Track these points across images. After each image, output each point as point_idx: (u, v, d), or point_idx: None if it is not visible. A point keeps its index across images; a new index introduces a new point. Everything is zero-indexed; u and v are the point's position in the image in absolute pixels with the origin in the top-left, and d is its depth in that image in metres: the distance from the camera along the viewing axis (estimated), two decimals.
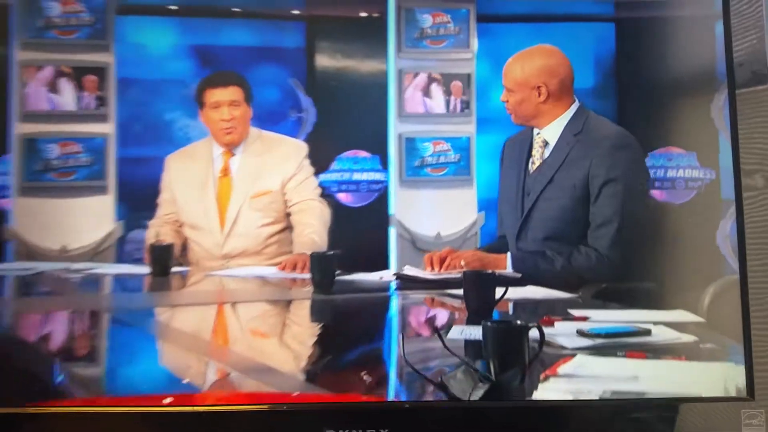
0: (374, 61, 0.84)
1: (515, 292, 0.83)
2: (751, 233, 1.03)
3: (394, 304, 0.83)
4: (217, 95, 0.85)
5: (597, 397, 0.73)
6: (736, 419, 0.95)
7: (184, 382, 0.75)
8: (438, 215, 0.84)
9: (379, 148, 0.82)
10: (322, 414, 0.91)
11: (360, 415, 0.91)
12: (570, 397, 0.73)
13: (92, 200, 0.79)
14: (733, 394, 0.87)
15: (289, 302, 0.80)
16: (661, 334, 0.78)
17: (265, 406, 0.88)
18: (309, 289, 0.81)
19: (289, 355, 0.78)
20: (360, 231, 0.83)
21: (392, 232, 0.84)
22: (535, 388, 0.75)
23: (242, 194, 0.87)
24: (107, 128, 0.80)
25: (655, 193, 0.86)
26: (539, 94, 0.86)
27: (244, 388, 0.79)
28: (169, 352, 0.76)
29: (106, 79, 0.80)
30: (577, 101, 0.86)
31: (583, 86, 0.84)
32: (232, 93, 0.86)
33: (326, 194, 0.84)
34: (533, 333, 0.69)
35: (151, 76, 0.81)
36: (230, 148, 0.87)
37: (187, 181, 0.85)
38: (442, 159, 0.85)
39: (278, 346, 0.79)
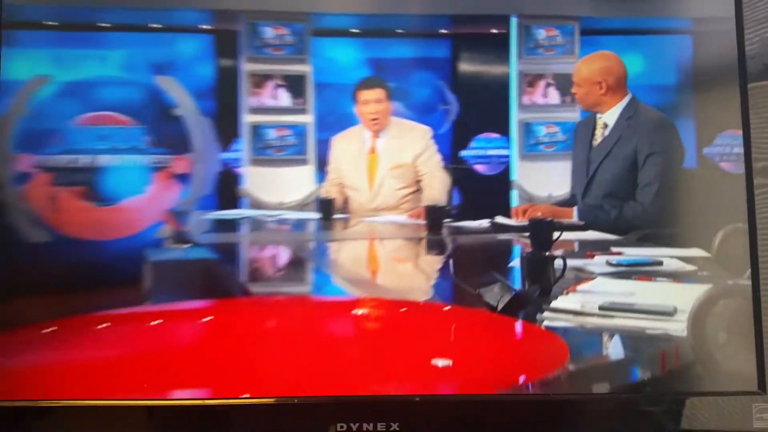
0: (501, 65, 1.11)
1: (580, 235, 1.08)
2: (762, 227, 1.05)
3: (488, 242, 1.08)
4: (365, 95, 1.14)
5: (597, 308, 0.84)
6: (748, 413, 0.98)
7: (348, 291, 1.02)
8: (550, 181, 1.10)
9: (505, 131, 1.09)
10: (333, 407, 0.93)
11: (370, 408, 0.93)
12: (577, 308, 0.86)
13: (298, 169, 1.10)
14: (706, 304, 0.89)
15: (418, 240, 1.10)
16: (671, 265, 0.98)
17: (276, 400, 0.89)
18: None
19: (419, 274, 1.06)
20: (491, 193, 1.10)
21: (514, 194, 1.10)
22: (555, 298, 0.89)
23: (385, 166, 1.15)
24: (308, 119, 1.11)
25: (724, 165, 1.07)
26: (600, 88, 1.10)
27: (390, 296, 0.98)
28: (338, 272, 1.06)
29: (306, 83, 1.11)
30: (630, 93, 1.10)
31: (666, 83, 1.08)
32: (376, 93, 1.15)
33: (463, 166, 1.11)
34: (559, 262, 0.89)
35: (338, 81, 1.11)
36: (376, 133, 1.15)
37: (346, 156, 1.14)
38: (553, 138, 1.11)
39: (411, 268, 1.09)
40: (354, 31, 1.09)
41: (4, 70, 0.98)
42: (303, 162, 1.09)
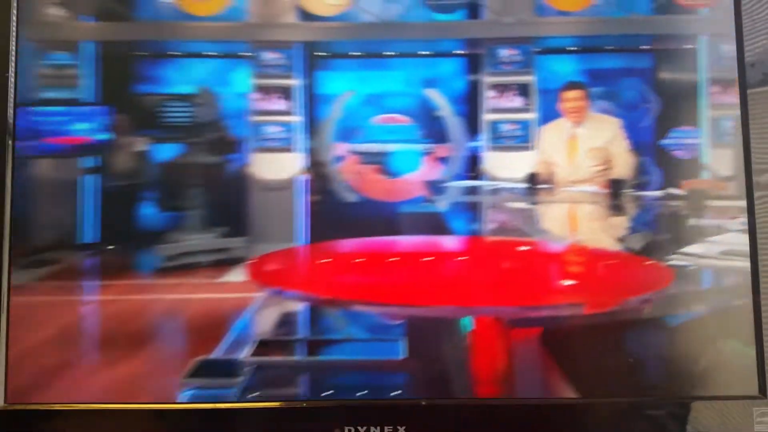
0: (693, 73, 1.37)
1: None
2: (762, 233, 1.05)
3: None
4: (568, 95, 1.45)
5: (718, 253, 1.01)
6: (749, 417, 0.97)
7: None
8: (733, 164, 1.33)
9: (698, 125, 1.35)
10: (340, 410, 0.95)
11: (377, 412, 0.95)
12: (702, 252, 1.06)
13: (525, 153, 1.45)
14: None
15: (604, 205, 1.35)
16: None
17: (283, 403, 0.94)
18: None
19: (603, 231, 1.33)
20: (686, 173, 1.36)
21: (705, 173, 1.36)
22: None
23: (582, 149, 1.45)
24: (532, 116, 1.46)
25: None
26: None
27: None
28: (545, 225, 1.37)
29: (530, 89, 1.47)
30: None
31: None
32: (576, 94, 1.45)
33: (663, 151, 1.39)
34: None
35: (553, 87, 1.45)
36: (576, 124, 1.46)
37: (552, 141, 1.46)
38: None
39: (598, 226, 1.35)
40: (570, 48, 1.43)
41: (325, 87, 1.46)
42: (526, 148, 1.44)
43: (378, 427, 0.95)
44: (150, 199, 1.27)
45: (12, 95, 1.08)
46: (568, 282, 1.17)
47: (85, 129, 1.23)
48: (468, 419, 0.98)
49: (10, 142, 1.08)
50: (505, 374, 1.07)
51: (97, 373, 1.07)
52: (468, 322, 1.15)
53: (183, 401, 1.00)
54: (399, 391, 1.08)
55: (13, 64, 1.09)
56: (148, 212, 1.26)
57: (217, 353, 1.11)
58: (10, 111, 1.08)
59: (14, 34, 1.09)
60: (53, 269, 1.14)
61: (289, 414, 0.97)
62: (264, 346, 1.13)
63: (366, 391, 1.07)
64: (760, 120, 1.08)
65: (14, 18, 1.08)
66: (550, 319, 1.12)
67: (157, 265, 1.19)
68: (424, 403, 0.98)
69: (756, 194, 1.07)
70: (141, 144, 1.26)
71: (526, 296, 1.15)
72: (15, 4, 1.08)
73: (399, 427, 0.95)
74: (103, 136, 1.24)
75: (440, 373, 1.11)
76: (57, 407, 0.98)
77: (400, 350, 1.16)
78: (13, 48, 1.09)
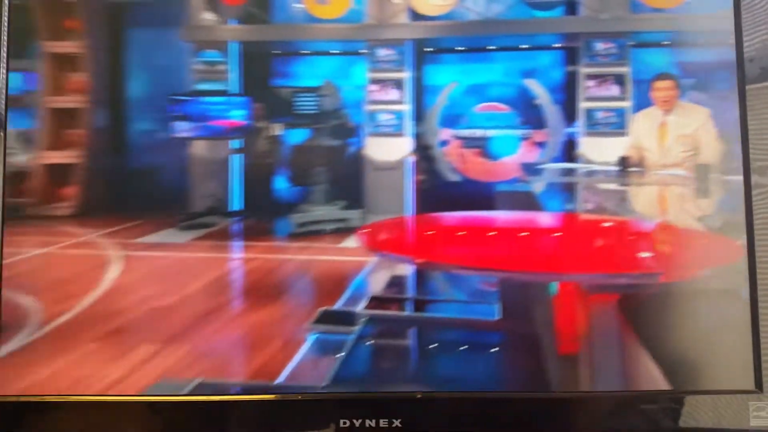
0: None
1: None
2: (760, 230, 1.04)
3: None
4: (659, 85, 1.52)
5: None
6: (745, 412, 0.97)
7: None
8: None
9: None
10: (336, 404, 0.96)
11: (373, 405, 0.95)
12: None
13: (619, 139, 1.55)
14: None
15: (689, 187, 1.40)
16: None
17: (280, 396, 0.95)
18: None
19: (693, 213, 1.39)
20: None
21: None
22: None
23: (672, 135, 1.51)
24: (626, 104, 1.56)
25: None
26: None
27: None
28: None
29: (626, 80, 1.56)
30: None
31: None
32: (667, 84, 1.51)
33: None
34: None
35: (646, 77, 1.53)
36: (666, 112, 1.52)
37: (644, 128, 1.52)
38: None
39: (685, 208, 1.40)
40: (665, 43, 1.50)
41: (432, 79, 1.62)
42: (621, 134, 1.54)
43: (374, 420, 0.94)
44: (283, 176, 1.50)
45: (4, 91, 1.13)
46: (646, 254, 1.27)
47: (233, 116, 1.47)
48: (463, 412, 0.98)
49: (2, 133, 1.15)
50: (584, 334, 1.19)
51: (238, 318, 1.30)
52: (553, 287, 1.28)
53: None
54: (495, 348, 1.24)
55: (4, 62, 1.14)
56: (282, 186, 1.49)
57: (338, 305, 1.30)
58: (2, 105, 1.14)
59: (5, 32, 1.14)
60: (209, 231, 1.39)
61: (286, 407, 0.97)
62: (376, 302, 1.31)
63: (466, 346, 1.23)
64: (759, 115, 1.08)
65: (5, 18, 1.13)
66: (627, 286, 1.23)
67: (289, 230, 1.40)
68: (419, 396, 0.98)
69: (754, 191, 1.05)
70: (276, 129, 1.49)
71: (606, 265, 1.27)
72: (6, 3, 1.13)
73: (394, 420, 0.94)
74: (245, 122, 1.47)
75: (529, 332, 1.25)
76: (50, 399, 1.01)
77: (495, 312, 1.31)
78: (4, 40, 1.13)
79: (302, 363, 1.17)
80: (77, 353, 1.16)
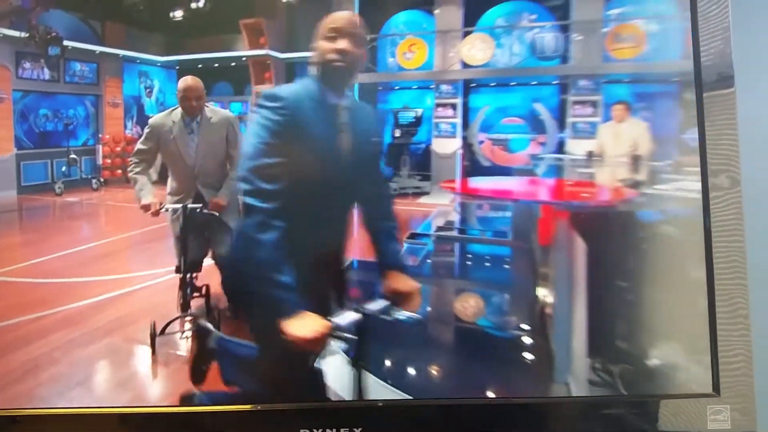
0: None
1: None
2: (717, 232, 1.04)
3: None
4: (615, 107, 2.38)
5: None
6: (703, 414, 0.99)
7: None
8: None
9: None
10: (297, 414, 0.97)
11: (334, 414, 0.96)
12: None
13: (590, 141, 2.47)
14: None
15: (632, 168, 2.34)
16: None
17: (244, 407, 0.97)
18: None
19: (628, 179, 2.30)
20: None
21: None
22: None
23: (622, 139, 2.42)
24: (597, 119, 2.48)
25: None
26: None
27: None
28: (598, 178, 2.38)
29: (598, 105, 2.48)
30: None
31: None
32: (620, 107, 2.34)
33: None
34: None
35: (609, 102, 2.45)
36: (619, 124, 2.43)
37: (605, 133, 2.44)
38: None
39: (624, 176, 2.33)
40: (624, 80, 2.43)
41: (474, 103, 2.61)
42: (592, 137, 2.46)
43: (334, 429, 0.94)
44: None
45: None
46: (586, 193, 2.18)
47: None
48: (423, 419, 0.98)
49: None
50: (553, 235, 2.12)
51: None
52: (538, 209, 2.23)
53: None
54: (508, 257, 2.18)
55: None
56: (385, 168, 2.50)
57: (418, 230, 2.29)
58: None
59: None
60: None
61: (249, 417, 0.96)
62: (439, 230, 2.29)
63: (489, 258, 2.17)
64: (716, 121, 1.07)
65: None
66: (577, 207, 2.15)
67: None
68: (380, 404, 0.98)
69: (711, 194, 1.04)
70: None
71: (568, 197, 2.20)
72: None
73: (354, 429, 0.94)
74: None
75: (526, 247, 2.19)
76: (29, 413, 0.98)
77: (508, 235, 2.26)
78: None
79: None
80: None
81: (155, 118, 1.96)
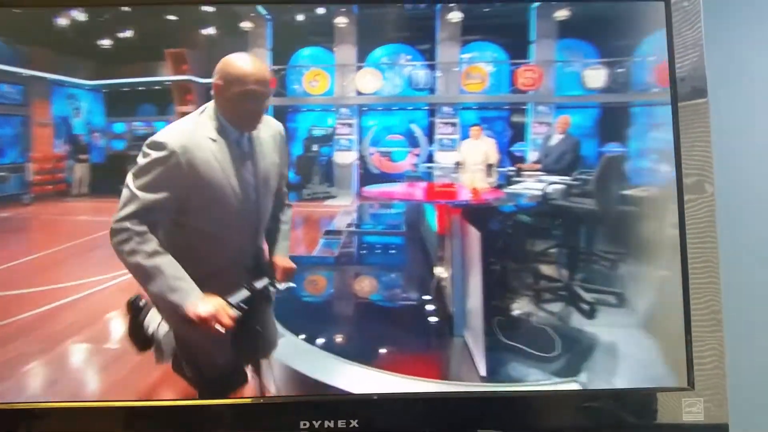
0: (520, 116, 3.17)
1: None
2: (691, 235, 1.06)
3: None
4: (472, 129, 3.21)
5: None
6: (678, 407, 1.04)
7: None
8: None
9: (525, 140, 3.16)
10: (297, 407, 1.01)
11: (331, 407, 1.00)
12: None
13: (453, 153, 3.26)
14: None
15: (487, 174, 3.20)
16: None
17: (245, 400, 1.02)
18: None
19: (484, 183, 3.17)
20: None
21: None
22: None
23: (476, 151, 3.25)
24: (456, 136, 3.28)
25: None
26: None
27: None
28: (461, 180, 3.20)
29: (457, 125, 3.28)
30: None
31: None
32: (475, 128, 3.05)
33: None
34: None
35: (467, 124, 3.26)
36: (474, 140, 3.26)
37: (464, 147, 3.26)
38: None
39: (481, 181, 3.18)
40: (473, 107, 3.25)
41: (366, 123, 3.28)
42: (454, 150, 3.26)
43: (332, 421, 0.95)
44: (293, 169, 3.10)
45: None
46: (467, 196, 2.95)
47: None
48: (416, 411, 1.00)
49: None
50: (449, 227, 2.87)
51: None
52: (432, 207, 2.97)
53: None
54: (401, 246, 2.90)
55: None
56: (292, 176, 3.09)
57: (330, 227, 2.93)
58: None
59: None
60: None
61: (252, 410, 0.97)
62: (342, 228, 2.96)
63: (394, 250, 2.89)
64: (689, 130, 1.05)
65: None
66: (464, 205, 2.91)
67: (300, 197, 3.02)
68: (375, 397, 0.99)
69: (685, 198, 1.03)
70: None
71: (452, 198, 2.96)
72: None
73: (351, 421, 0.95)
74: None
75: (421, 232, 2.93)
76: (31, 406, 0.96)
77: (402, 227, 2.98)
78: None
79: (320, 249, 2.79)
80: None
81: (173, 136, 1.18)
